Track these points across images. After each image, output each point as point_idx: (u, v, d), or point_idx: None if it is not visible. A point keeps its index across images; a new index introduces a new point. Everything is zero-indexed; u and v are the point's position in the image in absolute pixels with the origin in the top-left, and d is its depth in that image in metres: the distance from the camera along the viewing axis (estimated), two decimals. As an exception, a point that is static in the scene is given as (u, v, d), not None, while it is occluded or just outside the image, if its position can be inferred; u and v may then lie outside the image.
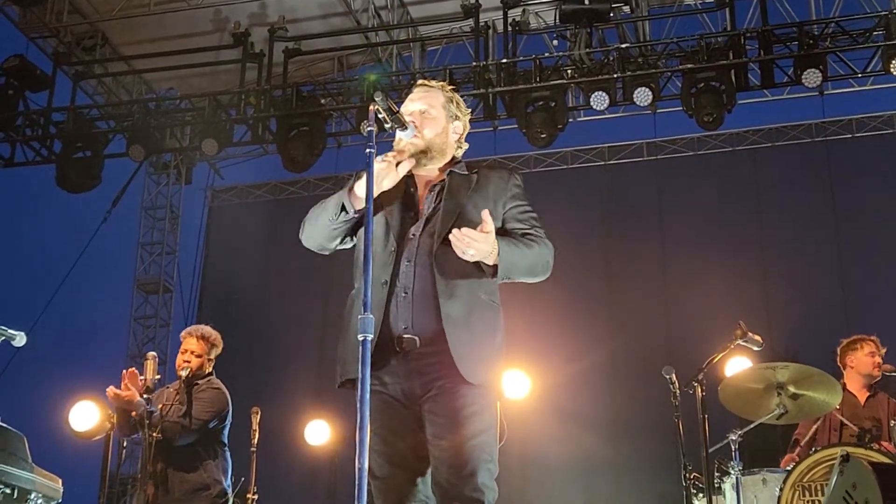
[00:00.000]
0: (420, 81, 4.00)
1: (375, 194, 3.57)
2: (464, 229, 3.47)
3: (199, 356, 6.49)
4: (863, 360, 7.05)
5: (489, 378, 3.62)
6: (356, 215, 3.66)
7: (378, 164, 3.54)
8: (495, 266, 3.56)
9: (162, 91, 13.72)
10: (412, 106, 3.82)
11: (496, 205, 3.75)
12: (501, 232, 3.71)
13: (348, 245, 3.83)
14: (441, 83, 3.99)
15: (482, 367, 3.58)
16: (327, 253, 3.87)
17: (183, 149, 13.44)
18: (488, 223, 3.49)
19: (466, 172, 3.84)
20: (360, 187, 3.61)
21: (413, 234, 3.67)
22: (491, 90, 11.13)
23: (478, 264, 3.57)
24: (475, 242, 3.45)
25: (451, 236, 3.47)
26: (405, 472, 3.57)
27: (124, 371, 6.03)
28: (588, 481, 11.86)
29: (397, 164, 3.63)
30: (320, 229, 3.76)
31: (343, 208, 3.65)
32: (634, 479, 11.78)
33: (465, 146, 3.97)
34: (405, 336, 3.58)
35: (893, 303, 11.51)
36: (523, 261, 3.67)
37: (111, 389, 5.98)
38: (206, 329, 6.65)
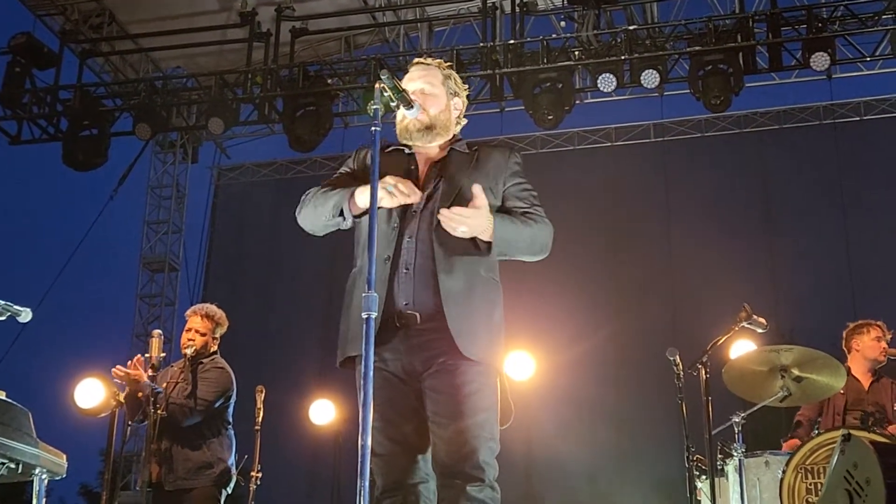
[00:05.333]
0: (416, 60, 3.99)
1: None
2: (454, 208, 3.50)
3: (203, 335, 6.49)
4: (869, 345, 7.04)
5: (488, 354, 3.63)
6: (350, 224, 3.71)
7: (381, 193, 3.48)
8: (490, 242, 3.58)
9: (169, 70, 13.72)
10: (412, 85, 3.82)
11: (496, 182, 3.76)
12: (501, 209, 3.73)
13: (345, 227, 3.81)
14: (438, 61, 4.00)
15: (480, 344, 3.59)
16: (319, 235, 3.88)
17: (189, 127, 13.46)
18: (480, 198, 3.51)
19: (467, 150, 3.85)
20: (360, 196, 3.62)
21: (415, 211, 3.68)
22: (498, 71, 11.12)
23: (475, 240, 3.59)
24: (465, 219, 3.48)
25: (439, 215, 3.50)
26: (406, 450, 3.59)
27: (130, 362, 6.04)
28: (591, 462, 11.90)
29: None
30: (316, 220, 3.80)
31: (341, 213, 3.67)
32: (637, 460, 11.81)
33: (464, 122, 3.98)
34: (406, 312, 3.59)
35: (900, 286, 11.52)
36: (520, 238, 3.67)
37: (117, 368, 6.00)
38: (211, 308, 6.65)
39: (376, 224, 3.28)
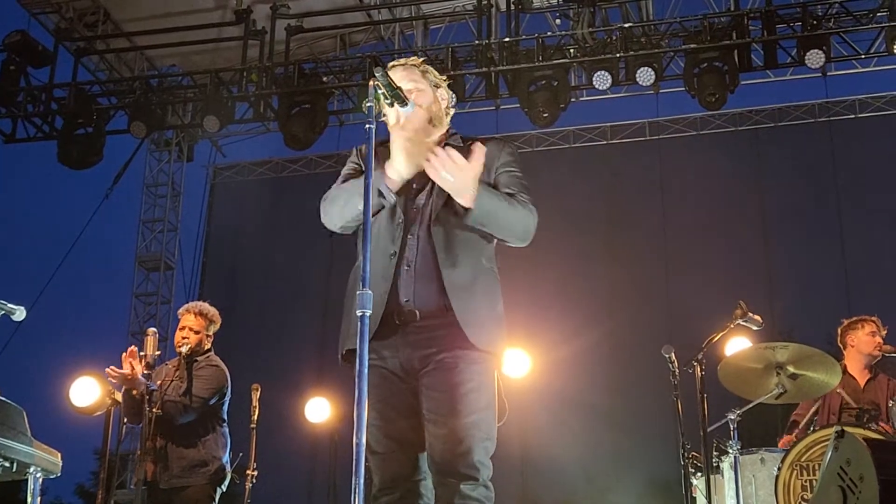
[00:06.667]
0: (391, 63, 3.94)
1: (413, 172, 3.59)
2: (448, 149, 3.45)
3: (197, 332, 6.49)
4: (863, 340, 7.05)
5: (493, 344, 3.63)
6: (394, 200, 3.62)
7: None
8: (470, 211, 3.52)
9: (164, 68, 13.70)
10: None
11: (488, 171, 3.73)
12: None
13: (388, 205, 3.71)
14: (412, 59, 3.99)
15: (487, 332, 3.60)
16: (349, 233, 3.83)
17: (184, 126, 13.44)
18: (477, 158, 3.47)
19: (462, 144, 3.84)
20: (391, 169, 3.58)
21: (417, 207, 3.67)
22: (493, 69, 11.11)
23: (475, 230, 3.59)
24: (452, 165, 3.42)
25: (430, 155, 3.45)
26: (403, 447, 3.58)
27: (124, 354, 6.03)
28: (586, 459, 11.91)
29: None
30: (349, 212, 3.67)
31: (380, 193, 3.58)
32: (633, 458, 11.83)
33: (452, 112, 3.96)
34: (405, 309, 3.59)
35: None
36: (501, 213, 3.62)
37: (110, 370, 5.98)
38: (204, 305, 6.65)
39: (371, 220, 3.27)
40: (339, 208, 3.72)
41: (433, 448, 3.52)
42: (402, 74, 3.85)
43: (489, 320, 3.64)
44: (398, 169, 3.59)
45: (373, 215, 3.55)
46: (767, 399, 6.13)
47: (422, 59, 3.98)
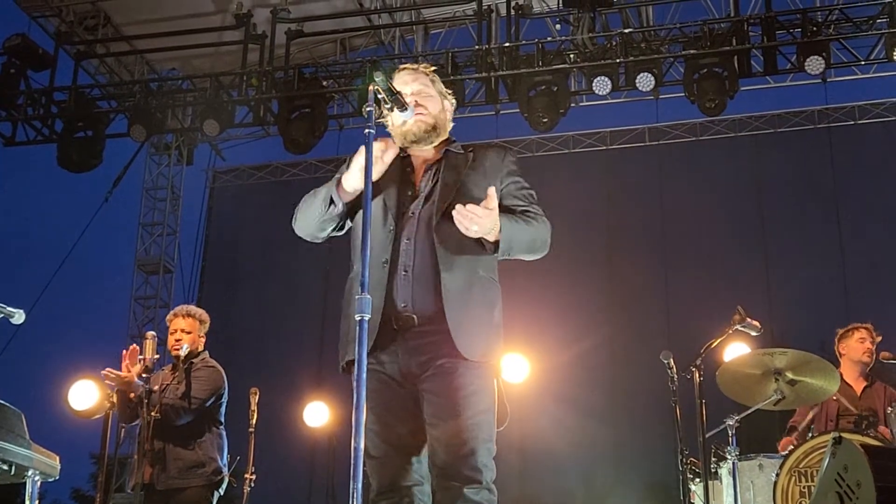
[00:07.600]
0: (401, 66, 3.98)
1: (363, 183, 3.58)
2: (469, 206, 3.46)
3: (189, 333, 6.49)
4: (853, 347, 7.08)
5: (487, 354, 3.62)
6: (344, 209, 3.69)
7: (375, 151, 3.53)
8: (496, 242, 3.57)
9: (164, 71, 13.71)
10: (408, 88, 3.80)
11: (493, 182, 3.74)
12: (500, 208, 3.69)
13: (341, 233, 3.82)
14: (423, 65, 4.02)
15: (479, 343, 3.59)
16: (319, 241, 3.88)
17: (184, 129, 13.44)
18: (493, 199, 3.49)
19: (462, 151, 3.85)
20: (347, 181, 3.63)
21: (413, 213, 3.67)
22: (493, 74, 11.12)
23: (478, 240, 3.58)
24: (478, 218, 3.45)
25: (454, 212, 3.46)
26: (400, 452, 3.58)
27: (124, 351, 6.04)
28: (585, 464, 11.91)
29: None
30: (311, 221, 3.78)
31: (332, 201, 3.67)
32: (631, 463, 11.83)
33: (451, 124, 3.98)
34: (404, 314, 3.58)
35: (895, 289, 11.53)
36: (524, 237, 3.67)
37: (107, 371, 5.99)
38: (191, 307, 6.66)
39: (370, 226, 3.28)
40: (303, 217, 3.81)
41: (435, 452, 3.52)
42: (412, 77, 3.88)
43: (483, 330, 3.63)
44: (352, 183, 3.62)
45: (332, 224, 3.71)
46: (766, 405, 6.12)
47: (432, 69, 4.00)
